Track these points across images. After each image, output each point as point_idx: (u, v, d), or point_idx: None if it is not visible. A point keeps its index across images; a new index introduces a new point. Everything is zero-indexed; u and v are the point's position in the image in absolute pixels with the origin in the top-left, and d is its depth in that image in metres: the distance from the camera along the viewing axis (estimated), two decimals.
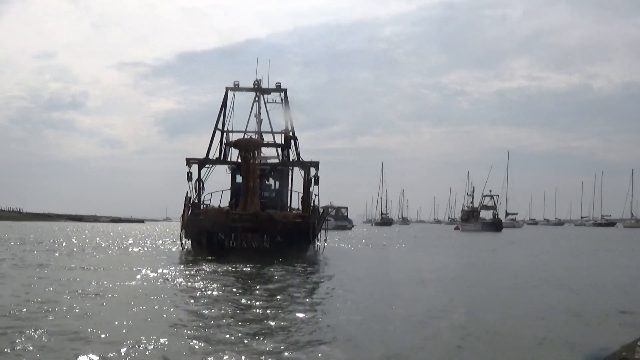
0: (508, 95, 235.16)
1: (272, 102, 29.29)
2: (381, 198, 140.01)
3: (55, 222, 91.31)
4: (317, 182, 23.68)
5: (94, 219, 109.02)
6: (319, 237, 23.96)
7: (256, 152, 23.08)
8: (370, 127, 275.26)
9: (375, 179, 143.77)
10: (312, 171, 23.41)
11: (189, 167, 23.03)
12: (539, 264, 22.62)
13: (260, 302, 10.60)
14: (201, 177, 23.29)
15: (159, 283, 13.62)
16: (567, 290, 14.19)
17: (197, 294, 11.68)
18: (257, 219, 21.30)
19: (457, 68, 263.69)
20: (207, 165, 23.52)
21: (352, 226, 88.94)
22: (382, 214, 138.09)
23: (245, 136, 24.03)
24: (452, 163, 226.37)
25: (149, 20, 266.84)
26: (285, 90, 25.16)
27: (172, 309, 9.79)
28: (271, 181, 26.19)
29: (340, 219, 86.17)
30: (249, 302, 10.65)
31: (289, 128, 24.70)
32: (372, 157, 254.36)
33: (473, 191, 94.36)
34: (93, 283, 13.01)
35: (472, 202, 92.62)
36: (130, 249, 27.12)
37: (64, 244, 29.51)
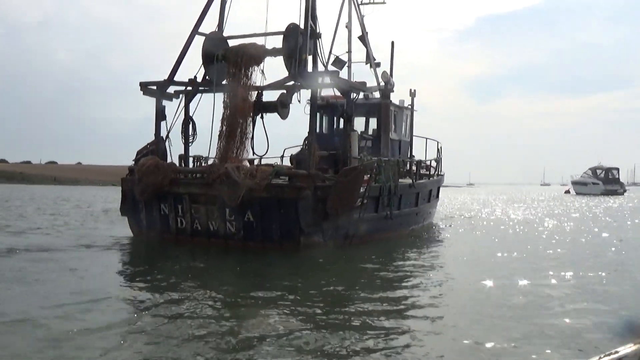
0: None
1: (370, 2, 19.68)
2: None
3: None
4: (349, 119, 13.28)
5: None
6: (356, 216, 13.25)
7: (252, 68, 13.34)
8: None
9: None
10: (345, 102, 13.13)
11: (159, 98, 14.18)
12: None
13: None
14: (189, 113, 14.38)
15: None
16: None
17: None
18: (208, 180, 12.05)
19: None
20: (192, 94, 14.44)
21: (624, 191, 72.33)
22: None
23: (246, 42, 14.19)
24: None
25: None
26: None
27: None
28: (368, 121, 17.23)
29: (610, 183, 71.31)
30: None
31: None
32: None
33: None
34: None
35: None
36: None
37: None
